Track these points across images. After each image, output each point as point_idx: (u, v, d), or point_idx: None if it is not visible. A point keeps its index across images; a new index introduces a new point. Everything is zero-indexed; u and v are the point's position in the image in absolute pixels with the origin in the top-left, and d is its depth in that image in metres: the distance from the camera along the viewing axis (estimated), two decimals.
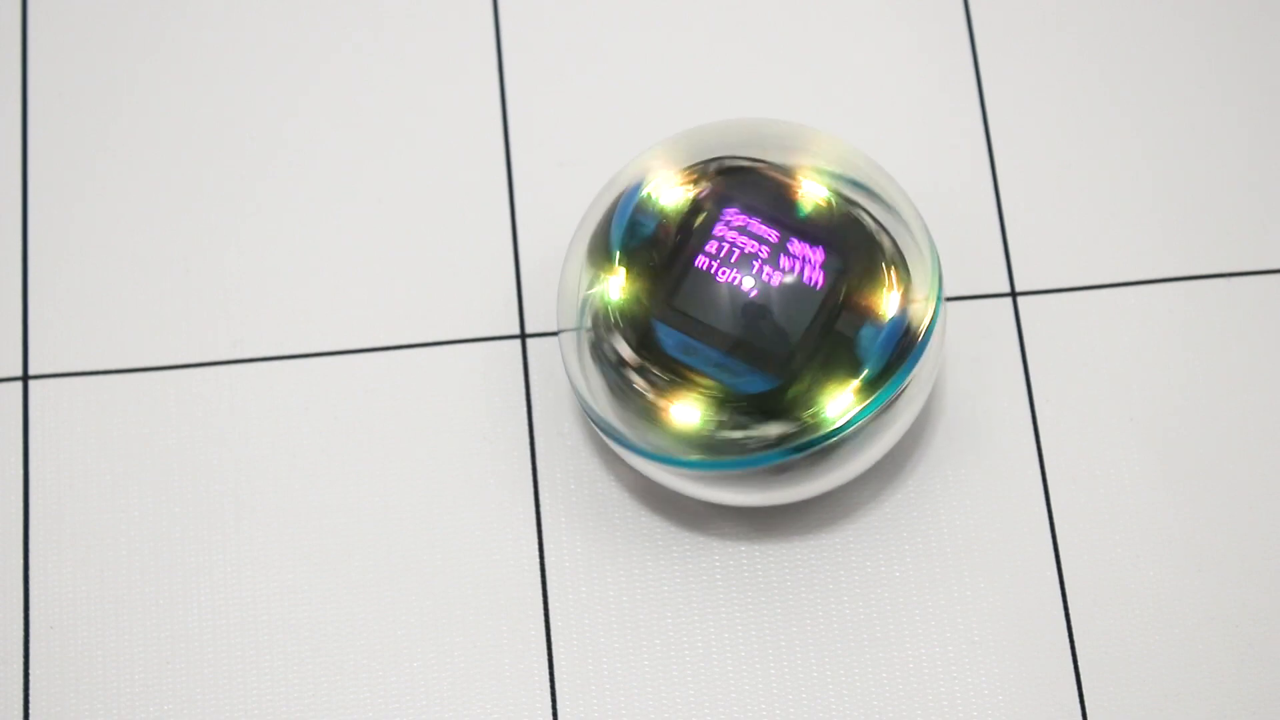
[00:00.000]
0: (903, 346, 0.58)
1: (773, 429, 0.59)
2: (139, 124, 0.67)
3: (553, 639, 0.62)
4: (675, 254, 0.59)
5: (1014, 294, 0.65)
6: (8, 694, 0.61)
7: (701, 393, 0.59)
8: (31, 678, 0.62)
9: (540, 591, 0.62)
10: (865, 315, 0.58)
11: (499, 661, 0.62)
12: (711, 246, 0.59)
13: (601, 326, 0.60)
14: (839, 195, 0.60)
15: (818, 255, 0.59)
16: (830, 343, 0.58)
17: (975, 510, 0.63)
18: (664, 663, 0.62)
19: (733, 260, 0.59)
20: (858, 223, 0.59)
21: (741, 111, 0.67)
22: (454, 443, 0.64)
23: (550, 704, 0.61)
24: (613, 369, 0.60)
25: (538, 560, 0.63)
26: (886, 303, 0.59)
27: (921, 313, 0.59)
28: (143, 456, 0.64)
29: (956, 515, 0.63)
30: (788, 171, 0.60)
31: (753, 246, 0.59)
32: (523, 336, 0.65)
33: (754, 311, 0.58)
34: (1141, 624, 0.62)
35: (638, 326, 0.59)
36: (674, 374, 0.59)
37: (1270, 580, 0.62)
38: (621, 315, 0.60)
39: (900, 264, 0.59)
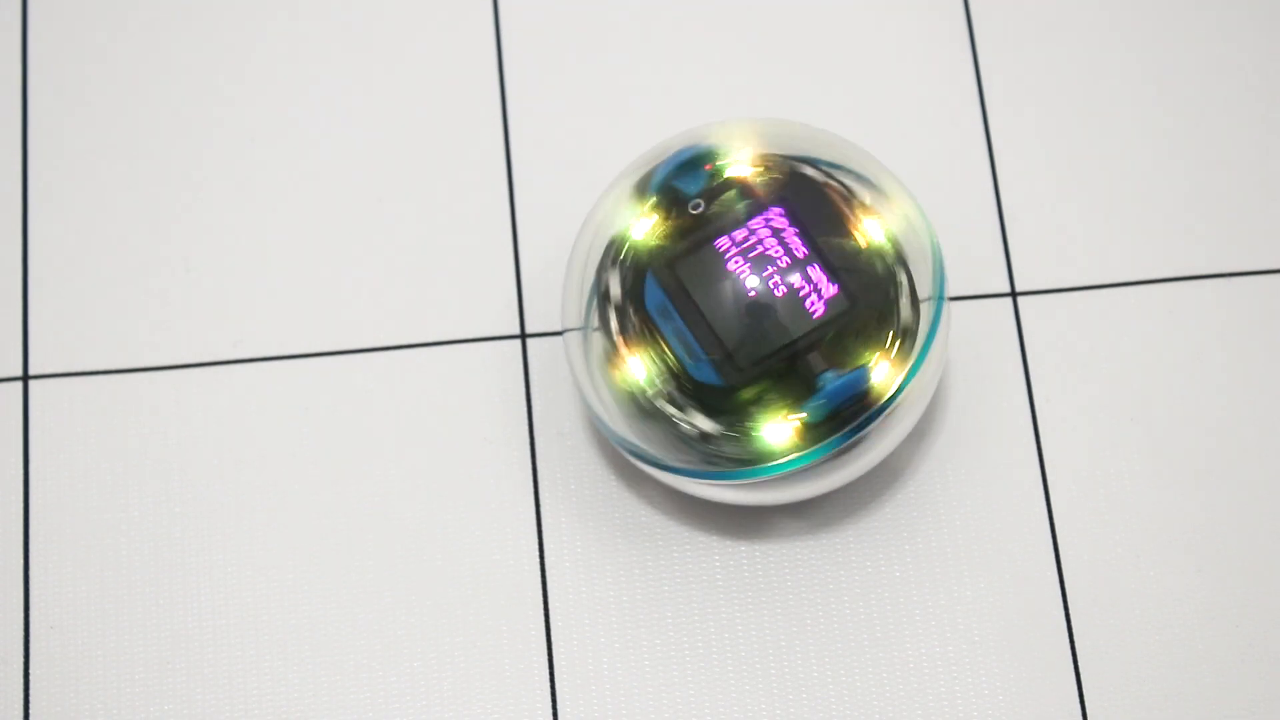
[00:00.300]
0: (856, 408, 0.58)
1: (706, 424, 0.58)
2: (139, 124, 0.67)
3: (553, 639, 0.62)
4: (702, 224, 0.59)
5: (1014, 294, 0.65)
6: (8, 694, 0.61)
7: (657, 357, 0.59)
8: (31, 678, 0.62)
9: (540, 591, 0.62)
10: (839, 362, 0.58)
11: (499, 661, 0.62)
12: (740, 234, 0.59)
13: (608, 254, 0.60)
14: (895, 250, 0.59)
15: (830, 290, 0.58)
16: (794, 373, 0.58)
17: (975, 510, 0.63)
18: (664, 663, 0.62)
19: (751, 255, 0.59)
20: (889, 284, 0.59)
21: (739, 111, 0.67)
22: (454, 443, 0.64)
23: (550, 704, 0.61)
24: (597, 298, 0.60)
25: (538, 560, 0.63)
26: (863, 360, 0.58)
27: (888, 383, 0.58)
28: (143, 456, 0.64)
29: (956, 515, 0.63)
30: (855, 203, 0.59)
31: (777, 252, 0.59)
32: (523, 336, 0.65)
33: (742, 310, 0.58)
34: (1141, 624, 0.62)
35: (633, 270, 0.59)
36: (644, 329, 0.59)
37: (1270, 580, 0.62)
38: (625, 253, 0.60)
39: (908, 336, 0.59)
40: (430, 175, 0.67)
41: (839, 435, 0.58)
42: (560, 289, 0.63)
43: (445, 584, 0.62)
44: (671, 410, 0.59)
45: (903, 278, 0.59)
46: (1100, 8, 0.69)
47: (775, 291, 0.58)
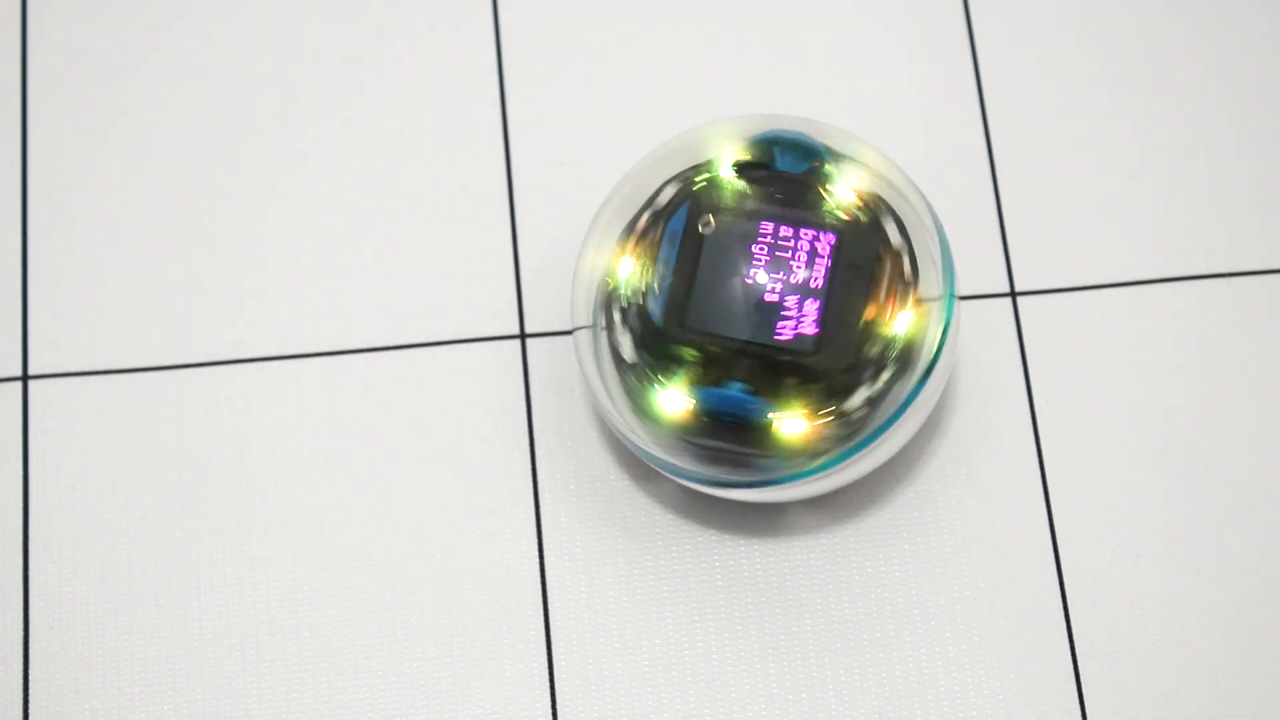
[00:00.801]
0: (745, 434, 0.58)
1: (628, 350, 0.59)
2: (139, 124, 0.67)
3: (553, 639, 0.62)
4: (766, 202, 0.59)
5: (1014, 294, 0.65)
6: (8, 694, 0.62)
7: (641, 271, 0.59)
8: (31, 678, 0.62)
9: (540, 591, 0.62)
10: (756, 386, 0.58)
11: (499, 661, 0.62)
12: (785, 232, 0.58)
13: (687, 172, 0.60)
14: (903, 352, 0.58)
15: (810, 329, 0.58)
16: (715, 363, 0.58)
17: (975, 510, 0.63)
18: (664, 663, 0.62)
19: (776, 253, 0.58)
20: (866, 368, 0.58)
21: (738, 110, 0.67)
22: (454, 443, 0.64)
23: (550, 704, 0.61)
24: (644, 202, 0.60)
25: (538, 560, 0.63)
26: (777, 401, 0.58)
27: (789, 440, 0.58)
28: (143, 456, 0.64)
29: (956, 515, 0.63)
30: (902, 289, 0.59)
31: (800, 268, 0.58)
32: (523, 336, 0.65)
33: (724, 284, 0.58)
34: (1141, 624, 0.62)
35: (684, 194, 0.59)
36: (654, 243, 0.59)
37: (1270, 580, 0.62)
38: (695, 177, 0.60)
39: (845, 420, 0.58)
40: (430, 175, 0.67)
41: (734, 481, 0.59)
42: (566, 288, 0.63)
43: (445, 584, 0.62)
44: (616, 318, 0.59)
45: (887, 374, 0.58)
46: (1100, 7, 0.69)
47: (765, 294, 0.58)
